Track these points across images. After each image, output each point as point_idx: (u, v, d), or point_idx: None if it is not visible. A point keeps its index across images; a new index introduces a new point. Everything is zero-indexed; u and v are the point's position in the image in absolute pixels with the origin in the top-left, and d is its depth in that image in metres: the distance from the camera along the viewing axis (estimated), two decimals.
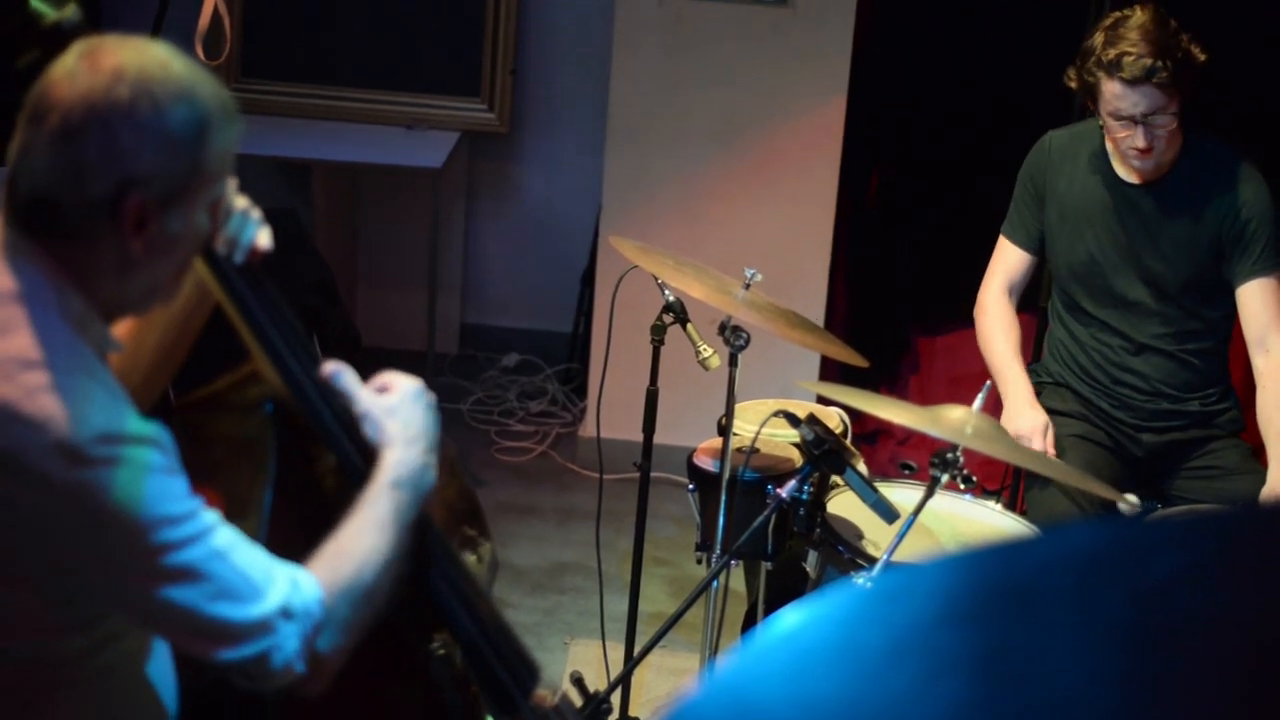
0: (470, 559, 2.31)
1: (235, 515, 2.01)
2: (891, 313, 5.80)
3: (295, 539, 2.05)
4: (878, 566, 2.87)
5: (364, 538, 1.98)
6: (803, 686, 0.85)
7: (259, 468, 2.05)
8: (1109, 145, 3.69)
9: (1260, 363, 3.64)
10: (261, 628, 1.86)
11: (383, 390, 2.12)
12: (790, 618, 0.89)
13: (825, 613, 0.89)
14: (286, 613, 1.87)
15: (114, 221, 1.82)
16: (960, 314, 5.37)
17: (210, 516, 1.86)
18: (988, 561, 0.94)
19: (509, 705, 2.20)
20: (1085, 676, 0.82)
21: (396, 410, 2.09)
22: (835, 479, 3.40)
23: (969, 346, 5.64)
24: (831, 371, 5.34)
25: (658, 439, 3.69)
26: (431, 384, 5.63)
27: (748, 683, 0.87)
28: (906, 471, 3.88)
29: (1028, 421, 3.66)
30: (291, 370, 2.07)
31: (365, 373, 2.17)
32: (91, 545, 1.80)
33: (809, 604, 0.89)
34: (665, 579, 4.81)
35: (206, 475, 2.05)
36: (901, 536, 2.84)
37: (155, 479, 1.80)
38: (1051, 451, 3.61)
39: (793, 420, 2.98)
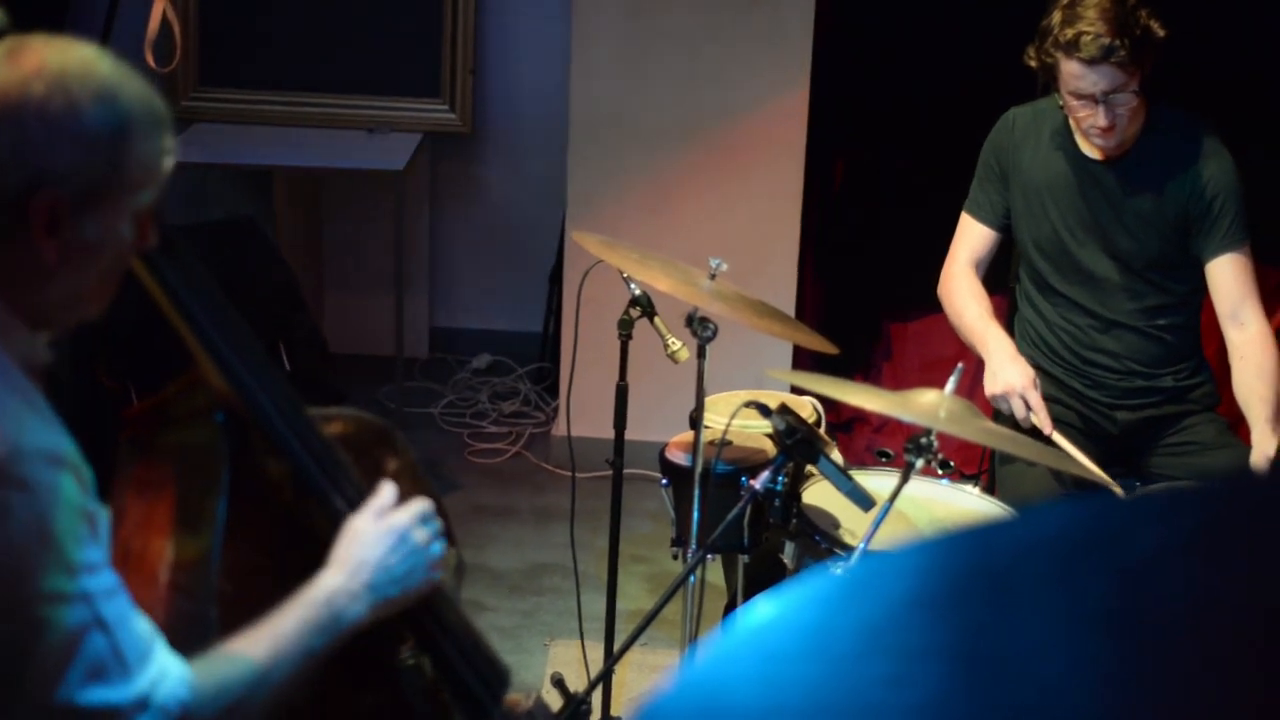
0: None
1: (188, 528, 1.97)
2: (862, 300, 5.76)
3: (250, 552, 2.00)
4: (855, 555, 2.83)
5: (258, 646, 1.90)
6: (774, 679, 0.82)
7: (211, 479, 2.00)
8: (1071, 122, 3.67)
9: (1235, 336, 3.62)
10: (115, 713, 1.76)
11: (387, 511, 2.06)
12: (762, 608, 0.86)
13: (796, 603, 0.86)
14: (144, 704, 1.78)
15: (24, 221, 1.75)
16: (931, 299, 5.34)
17: (108, 579, 1.76)
18: (962, 546, 0.92)
19: (480, 711, 2.16)
20: (1068, 662, 0.79)
21: (361, 536, 2.02)
22: (810, 469, 3.37)
23: (941, 331, 5.64)
24: (804, 361, 5.31)
25: (630, 435, 3.65)
26: (402, 389, 5.65)
27: (718, 677, 0.84)
28: (883, 459, 3.85)
29: (1015, 375, 3.60)
30: (239, 376, 2.02)
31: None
32: None
33: (780, 594, 0.86)
34: (643, 576, 4.77)
35: (156, 488, 2.00)
36: (877, 524, 2.81)
37: (65, 515, 1.70)
38: (1041, 406, 3.55)
39: (764, 411, 2.94)
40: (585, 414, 4.00)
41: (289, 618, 1.93)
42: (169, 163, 1.86)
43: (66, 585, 1.71)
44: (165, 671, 1.80)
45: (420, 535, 2.06)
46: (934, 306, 5.50)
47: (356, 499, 2.05)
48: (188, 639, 1.89)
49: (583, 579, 4.04)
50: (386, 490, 2.06)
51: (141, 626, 1.80)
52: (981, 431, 2.85)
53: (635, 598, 4.60)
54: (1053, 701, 0.77)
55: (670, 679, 0.84)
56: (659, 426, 4.43)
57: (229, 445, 2.01)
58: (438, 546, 2.08)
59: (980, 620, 0.83)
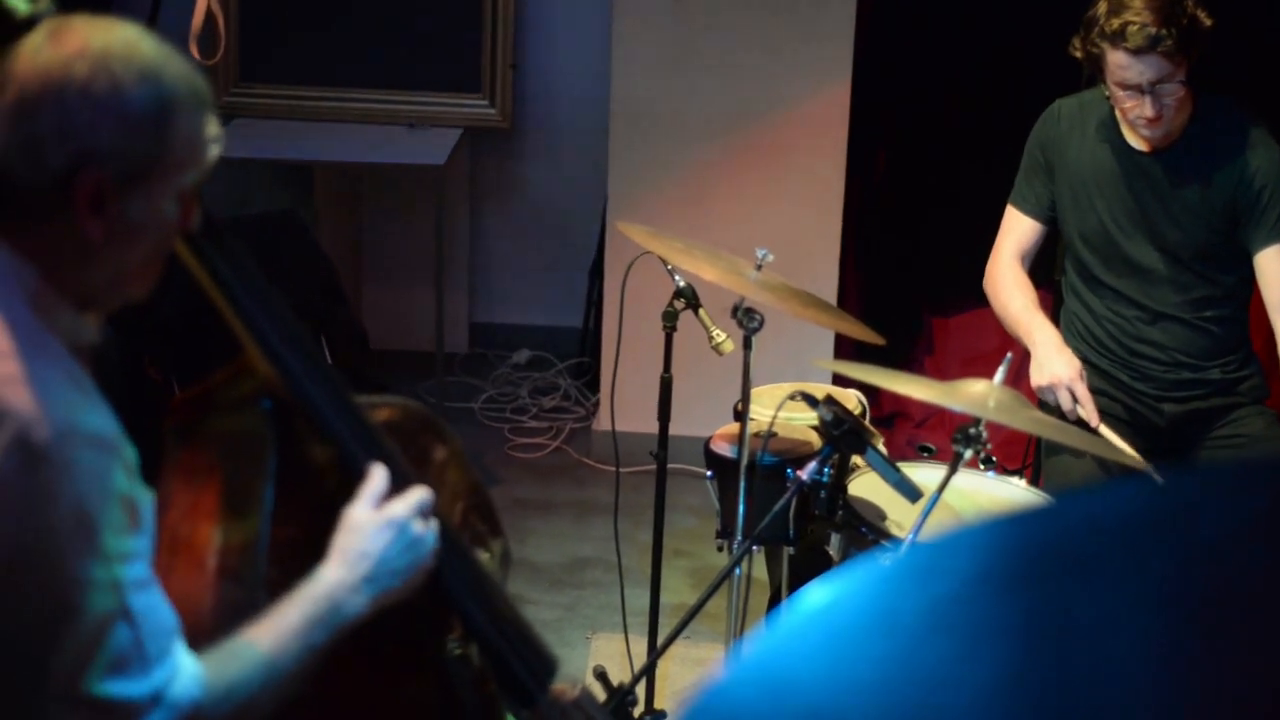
0: (483, 556, 2.25)
1: (235, 515, 1.96)
2: (904, 293, 5.74)
3: (297, 538, 1.99)
4: (904, 546, 2.81)
5: (264, 641, 1.88)
6: (837, 662, 0.81)
7: (258, 465, 1.98)
8: (1118, 114, 3.64)
9: None
10: (129, 708, 1.74)
11: (384, 500, 2.03)
12: (817, 594, 0.85)
13: (860, 583, 0.85)
14: (158, 699, 1.76)
15: (69, 200, 1.74)
16: (973, 293, 5.30)
17: (142, 570, 1.75)
18: (1027, 526, 0.90)
19: (527, 700, 2.15)
20: (1133, 641, 0.78)
21: (360, 528, 1.99)
22: (855, 461, 3.35)
23: (983, 325, 5.61)
24: (846, 354, 5.29)
25: (673, 430, 3.63)
26: (442, 384, 5.65)
27: (780, 660, 0.83)
28: (925, 454, 3.83)
29: (1062, 367, 3.57)
30: (285, 361, 2.00)
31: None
32: (2, 553, 1.68)
33: (839, 579, 0.84)
34: (685, 570, 4.76)
35: (203, 475, 2.00)
36: (927, 513, 2.79)
37: (107, 501, 1.70)
38: (1088, 398, 3.52)
39: (811, 401, 2.92)
40: (626, 408, 3.98)
41: (292, 612, 1.91)
42: (213, 142, 1.85)
43: (100, 572, 1.70)
44: (180, 668, 1.79)
45: (419, 526, 2.03)
46: (976, 300, 5.47)
47: (403, 486, 2.04)
48: (237, 625, 1.88)
49: (625, 573, 4.03)
50: (378, 475, 2.02)
51: (166, 621, 1.78)
52: (1030, 421, 2.83)
53: (677, 591, 4.59)
54: (1117, 680, 0.76)
55: (737, 657, 0.82)
56: (701, 421, 4.41)
57: (275, 432, 2.00)
58: (433, 537, 2.05)
59: (1045, 601, 0.82)
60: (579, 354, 6.19)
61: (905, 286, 5.74)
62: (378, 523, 1.99)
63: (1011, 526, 0.90)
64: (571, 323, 6.25)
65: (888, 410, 5.49)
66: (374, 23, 5.79)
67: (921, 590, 0.83)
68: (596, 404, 5.82)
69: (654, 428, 3.60)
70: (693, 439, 4.34)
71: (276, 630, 1.89)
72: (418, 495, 2.04)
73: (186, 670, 1.80)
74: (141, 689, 1.74)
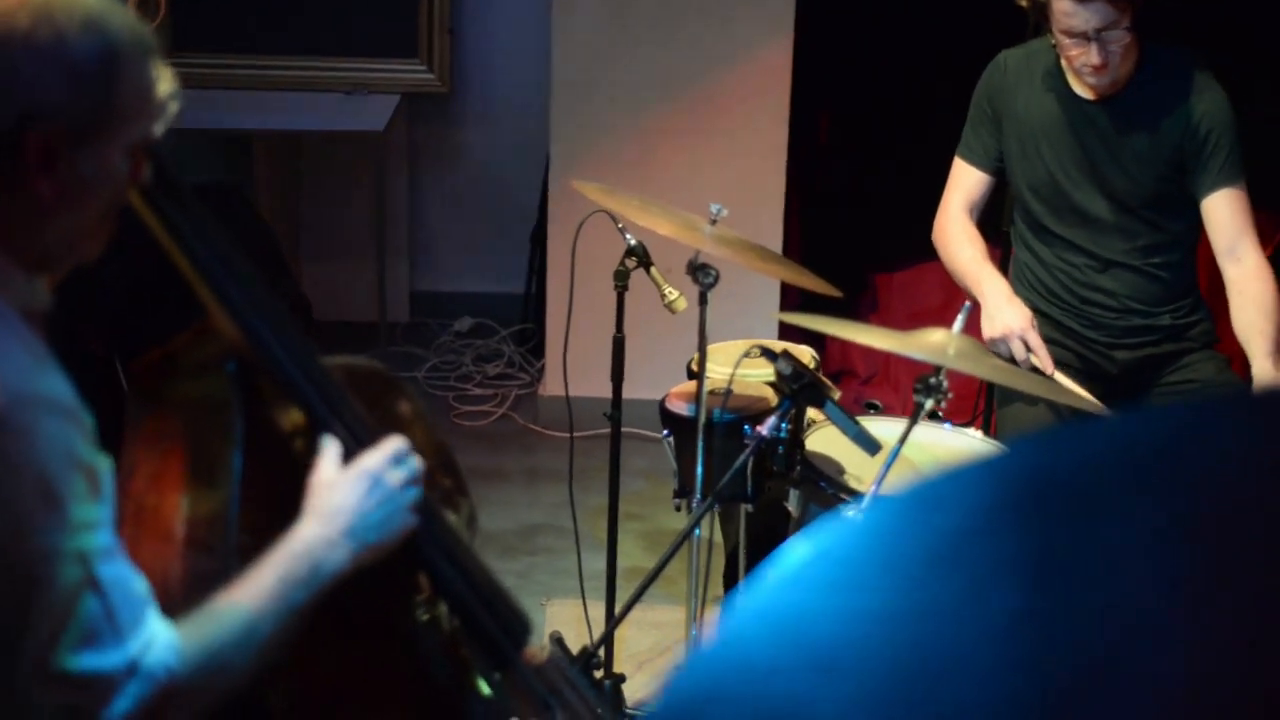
0: (451, 518, 2.21)
1: (203, 482, 1.91)
2: (848, 251, 5.73)
3: (269, 503, 1.95)
4: (867, 498, 2.80)
5: (242, 602, 1.83)
6: (845, 598, 0.79)
7: (225, 431, 1.93)
8: (1064, 62, 3.63)
9: (1233, 271, 3.59)
10: (104, 681, 1.69)
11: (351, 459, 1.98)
12: (816, 535, 0.83)
13: (858, 526, 0.82)
14: (133, 669, 1.71)
15: (18, 159, 1.68)
16: (916, 249, 5.30)
17: (106, 538, 1.69)
18: (1031, 459, 0.88)
19: (502, 661, 2.12)
20: (1147, 575, 0.75)
21: (332, 484, 1.94)
22: (811, 416, 3.34)
23: (927, 281, 5.62)
24: (792, 310, 5.28)
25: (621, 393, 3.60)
26: (385, 354, 5.58)
27: (787, 597, 0.81)
28: (871, 410, 3.83)
29: (1013, 317, 3.57)
30: (249, 321, 1.95)
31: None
32: None
33: (838, 522, 0.83)
34: (638, 534, 4.74)
35: (168, 441, 1.95)
36: (889, 464, 2.77)
37: (65, 467, 1.64)
38: (1041, 346, 3.52)
39: (770, 355, 2.91)
40: (573, 372, 3.94)
41: (269, 572, 1.86)
42: (163, 91, 1.80)
43: (66, 543, 1.65)
44: (155, 636, 1.73)
45: (394, 476, 1.98)
46: (919, 257, 5.48)
47: (373, 441, 1.99)
48: (209, 596, 1.83)
49: (578, 537, 4.01)
50: (332, 446, 1.98)
51: (137, 589, 1.73)
52: (992, 369, 2.82)
53: (631, 555, 4.57)
54: (1133, 613, 0.74)
55: (739, 604, 0.81)
56: (648, 383, 4.39)
57: (241, 395, 1.96)
58: (414, 489, 2.00)
59: (1054, 535, 0.79)
60: (521, 320, 6.15)
61: (849, 244, 5.73)
62: (350, 477, 1.95)
63: (1014, 460, 0.87)
64: (513, 289, 6.21)
65: (834, 368, 5.49)
66: None
67: (925, 526, 0.81)
68: (541, 370, 5.78)
69: (601, 391, 3.58)
70: (641, 401, 4.32)
71: (254, 592, 1.84)
72: (391, 445, 2.00)
73: (161, 638, 1.74)
74: (115, 660, 1.69)
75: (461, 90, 6.06)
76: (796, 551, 0.83)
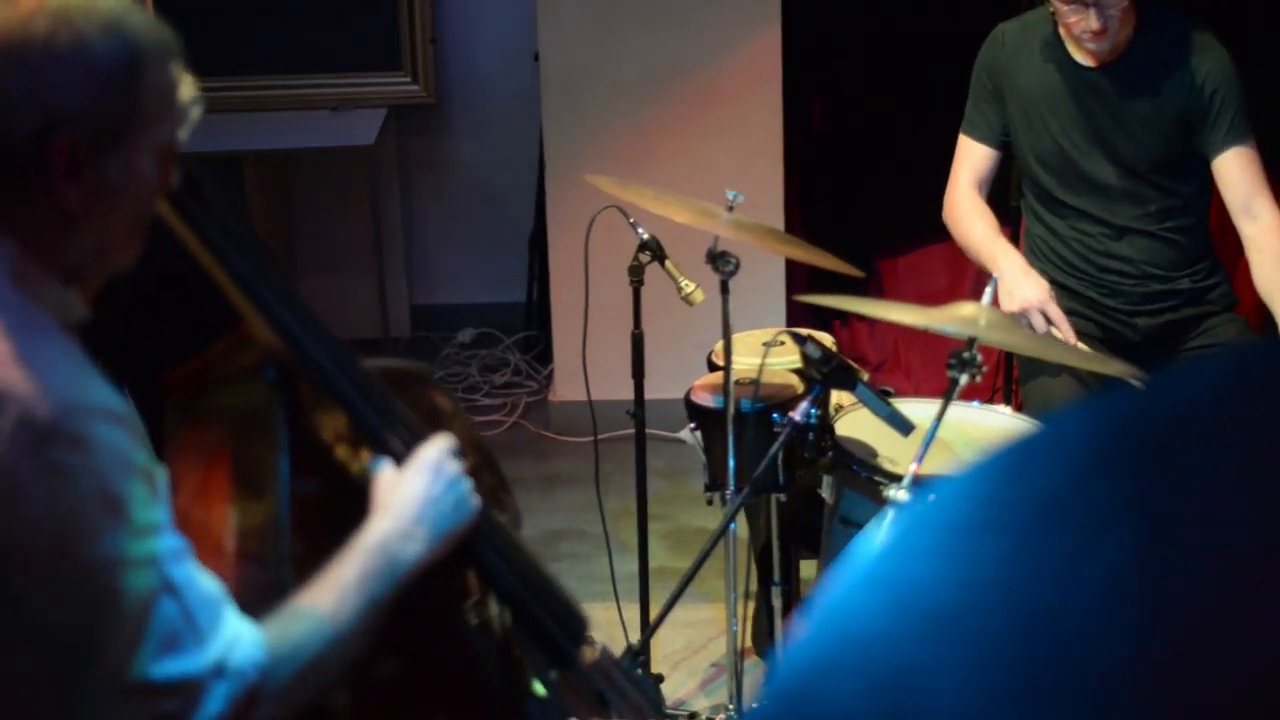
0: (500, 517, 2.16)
1: (250, 492, 1.86)
2: (850, 238, 5.68)
3: (319, 509, 1.90)
4: (907, 479, 2.74)
5: (322, 600, 1.79)
6: (955, 562, 0.77)
7: (269, 438, 1.88)
8: (1062, 31, 3.60)
9: (1249, 229, 3.56)
10: (191, 685, 1.65)
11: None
12: (922, 499, 0.81)
13: (958, 489, 0.80)
14: (220, 670, 1.66)
15: (43, 167, 1.64)
16: (919, 232, 5.27)
17: (174, 540, 1.65)
18: (1121, 409, 0.85)
19: (563, 659, 2.07)
20: (1259, 511, 0.73)
21: (395, 479, 1.91)
22: (838, 402, 3.30)
23: (931, 264, 5.59)
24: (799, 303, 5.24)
25: (630, 393, 3.55)
26: None
27: (896, 563, 0.80)
28: (886, 396, 3.77)
29: (1030, 290, 3.53)
30: (287, 324, 1.91)
31: None
32: (28, 543, 1.57)
33: (938, 489, 0.81)
34: (662, 534, 4.69)
35: (210, 453, 1.90)
36: (928, 444, 2.72)
37: (126, 473, 1.59)
38: (1061, 317, 3.49)
39: (799, 339, 2.86)
40: (579, 377, 3.89)
41: (346, 569, 1.82)
42: (186, 93, 1.75)
43: (134, 549, 1.60)
44: (239, 635, 1.69)
45: (453, 466, 1.95)
46: (923, 240, 5.45)
47: (414, 443, 1.95)
48: (266, 608, 1.77)
49: (601, 540, 3.98)
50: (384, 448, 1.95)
51: (210, 588, 1.69)
52: (1025, 339, 2.78)
53: (657, 555, 4.52)
54: (1243, 560, 0.72)
55: (850, 564, 0.79)
56: (661, 382, 4.34)
57: (283, 402, 1.91)
58: (469, 480, 1.97)
59: (1161, 479, 0.77)
60: (524, 328, 6.10)
61: (850, 231, 5.69)
62: (413, 470, 1.92)
63: (1103, 411, 0.85)
64: (513, 298, 6.15)
65: (845, 355, 5.45)
66: (289, 6, 5.67)
67: (1026, 487, 0.79)
68: (548, 376, 5.74)
69: (614, 393, 3.54)
70: (656, 402, 4.27)
71: (334, 589, 1.80)
72: (442, 440, 1.96)
73: (246, 636, 1.70)
74: (200, 663, 1.65)
75: (448, 99, 6.01)
76: (892, 523, 0.80)
